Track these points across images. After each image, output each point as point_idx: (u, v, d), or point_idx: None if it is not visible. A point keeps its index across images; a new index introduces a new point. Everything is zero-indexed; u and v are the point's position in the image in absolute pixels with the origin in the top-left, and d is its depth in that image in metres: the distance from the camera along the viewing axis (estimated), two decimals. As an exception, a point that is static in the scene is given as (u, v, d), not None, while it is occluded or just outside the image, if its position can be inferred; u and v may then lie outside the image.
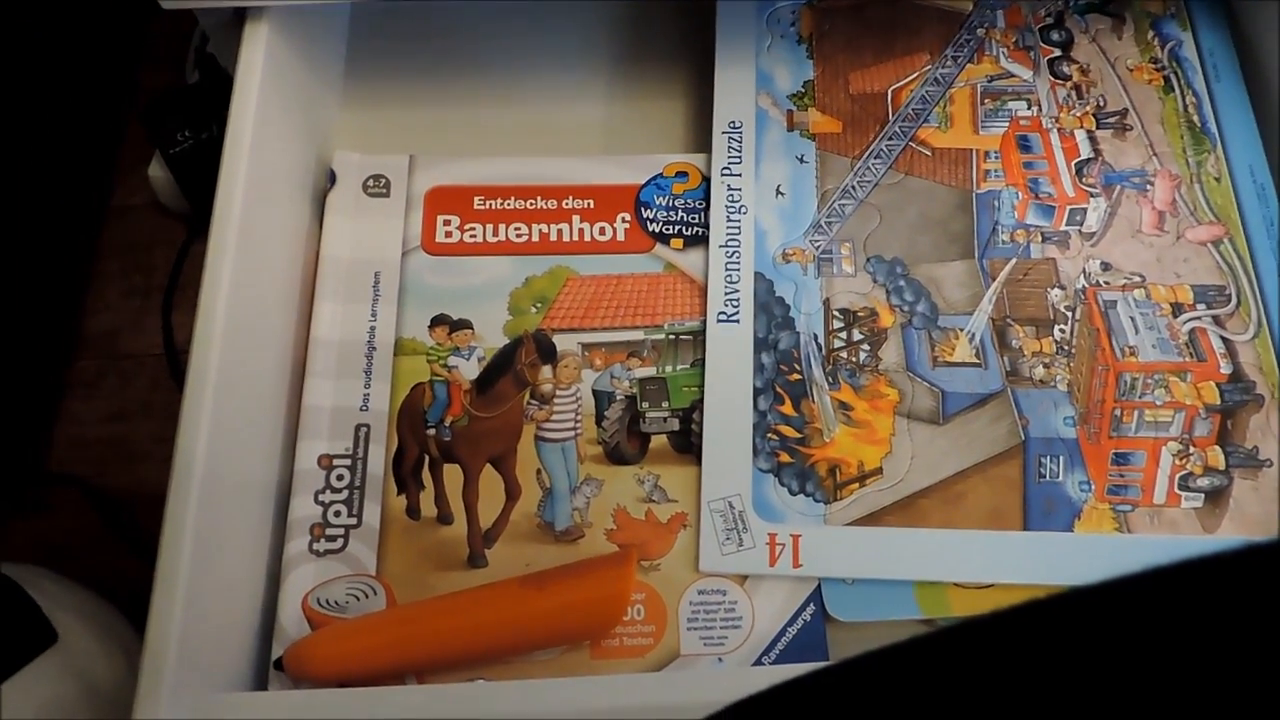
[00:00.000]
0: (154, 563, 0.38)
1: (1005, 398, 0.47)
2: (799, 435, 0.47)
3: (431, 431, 0.49)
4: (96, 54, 0.70)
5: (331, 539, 0.46)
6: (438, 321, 0.52)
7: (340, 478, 0.48)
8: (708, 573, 0.45)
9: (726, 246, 0.52)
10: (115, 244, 0.67)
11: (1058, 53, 0.55)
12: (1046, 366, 0.47)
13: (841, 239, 0.51)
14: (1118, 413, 0.46)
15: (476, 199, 0.55)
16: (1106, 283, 0.49)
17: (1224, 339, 0.47)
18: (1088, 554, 0.44)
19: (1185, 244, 0.49)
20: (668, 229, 0.54)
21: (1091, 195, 0.51)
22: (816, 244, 0.51)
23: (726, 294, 0.50)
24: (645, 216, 0.54)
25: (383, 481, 0.48)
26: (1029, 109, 0.53)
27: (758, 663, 0.45)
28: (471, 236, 0.54)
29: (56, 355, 0.60)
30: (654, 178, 0.55)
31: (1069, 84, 0.54)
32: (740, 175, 0.53)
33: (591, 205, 0.55)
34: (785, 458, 0.47)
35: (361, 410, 0.49)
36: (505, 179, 0.55)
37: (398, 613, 0.43)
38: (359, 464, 0.48)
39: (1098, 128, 0.53)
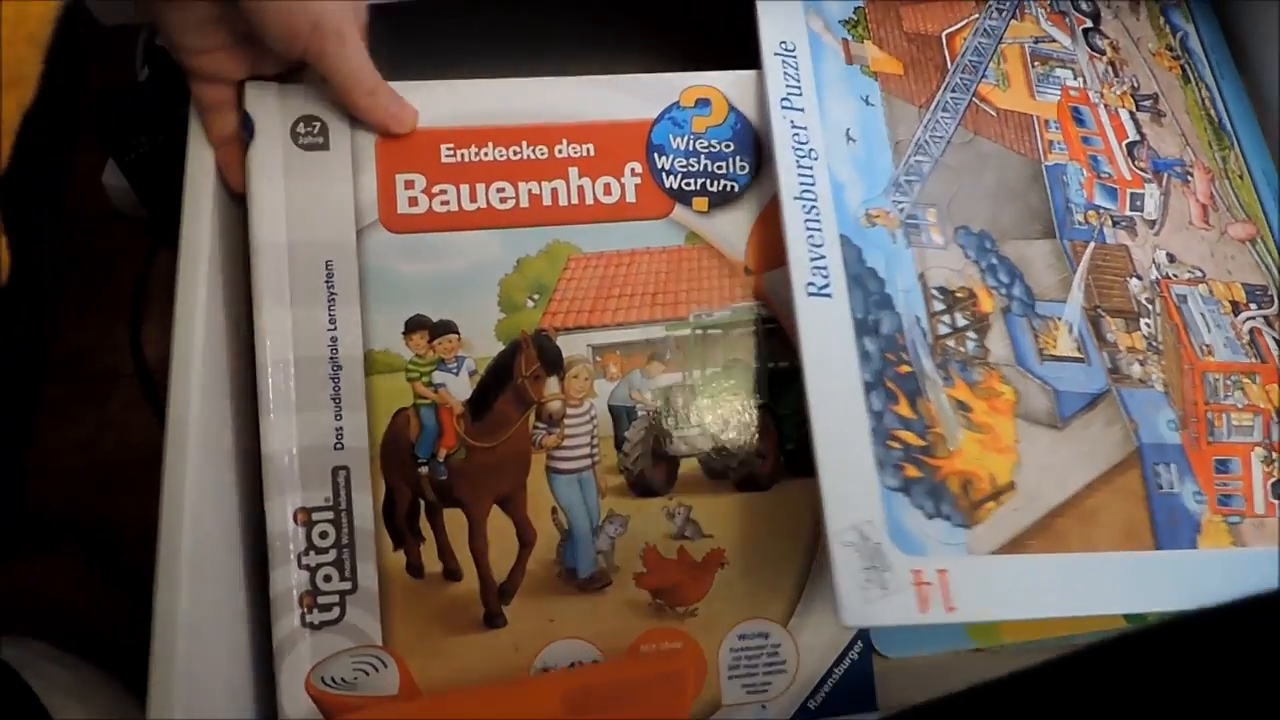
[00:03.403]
0: (139, 596, 0.36)
1: (1113, 398, 0.42)
2: (922, 442, 0.38)
3: (424, 470, 0.38)
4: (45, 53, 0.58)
5: (325, 608, 0.36)
6: (414, 325, 0.38)
7: (324, 535, 0.36)
8: (852, 627, 0.35)
9: (802, 199, 0.40)
10: (76, 257, 0.59)
11: (1089, 23, 0.51)
12: (1142, 364, 0.43)
13: (924, 203, 0.43)
14: (1210, 416, 0.43)
15: (444, 148, 0.40)
16: (1175, 275, 0.46)
17: (1277, 340, 0.46)
18: (1214, 572, 0.40)
19: (1229, 240, 0.48)
20: (688, 183, 0.42)
21: (1145, 180, 0.48)
22: (900, 206, 0.42)
23: (812, 260, 0.39)
24: (660, 166, 0.42)
25: (375, 535, 0.37)
26: (1075, 79, 0.49)
27: (803, 707, 0.40)
28: (443, 204, 0.39)
29: (23, 380, 0.54)
30: (668, 109, 0.43)
31: (1104, 59, 0.50)
32: (803, 111, 0.42)
33: (592, 152, 0.41)
34: (912, 471, 0.37)
35: (336, 449, 0.37)
36: (479, 116, 0.40)
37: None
38: (343, 516, 0.36)
39: (1137, 109, 0.49)
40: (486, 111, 0.41)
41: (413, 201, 0.39)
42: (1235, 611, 0.26)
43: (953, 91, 0.46)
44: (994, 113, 0.46)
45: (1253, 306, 0.46)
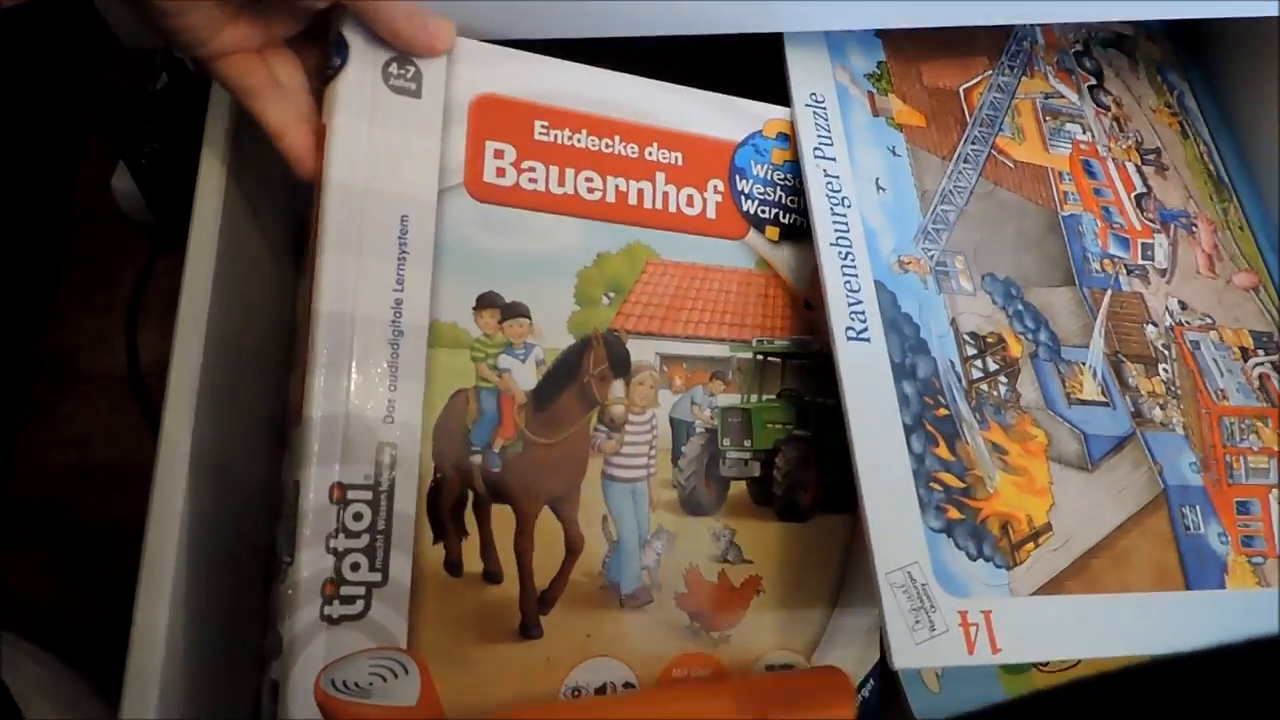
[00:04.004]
0: (119, 599, 0.32)
1: (1138, 442, 0.43)
2: (962, 484, 0.38)
3: (477, 458, 0.36)
4: (58, 51, 0.61)
5: (348, 600, 0.33)
6: (486, 302, 0.37)
7: (358, 517, 0.33)
8: (903, 669, 0.35)
9: (838, 245, 0.41)
10: (76, 257, 0.58)
11: (1094, 81, 0.53)
12: (1163, 408, 0.44)
13: (952, 250, 0.44)
14: (1228, 459, 0.44)
15: (539, 125, 0.39)
16: (1187, 322, 0.47)
17: (1285, 385, 0.48)
18: (1244, 612, 0.41)
19: (1234, 289, 0.50)
20: (763, 211, 0.43)
21: (1154, 230, 0.49)
22: (930, 253, 0.43)
23: (850, 305, 0.40)
24: (740, 189, 0.43)
25: (415, 524, 0.34)
26: (1084, 134, 0.51)
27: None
28: (531, 181, 0.38)
29: (13, 376, 0.54)
30: (752, 136, 0.44)
31: (1110, 114, 0.52)
32: (835, 160, 0.43)
33: (680, 161, 0.42)
34: (954, 513, 0.38)
35: (386, 421, 0.34)
36: (575, 100, 0.40)
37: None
38: (383, 499, 0.34)
39: (1142, 163, 0.51)
40: (583, 97, 0.40)
41: (500, 172, 0.38)
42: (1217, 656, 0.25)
43: (972, 144, 0.47)
44: (1012, 164, 0.48)
45: (1260, 353, 0.48)
